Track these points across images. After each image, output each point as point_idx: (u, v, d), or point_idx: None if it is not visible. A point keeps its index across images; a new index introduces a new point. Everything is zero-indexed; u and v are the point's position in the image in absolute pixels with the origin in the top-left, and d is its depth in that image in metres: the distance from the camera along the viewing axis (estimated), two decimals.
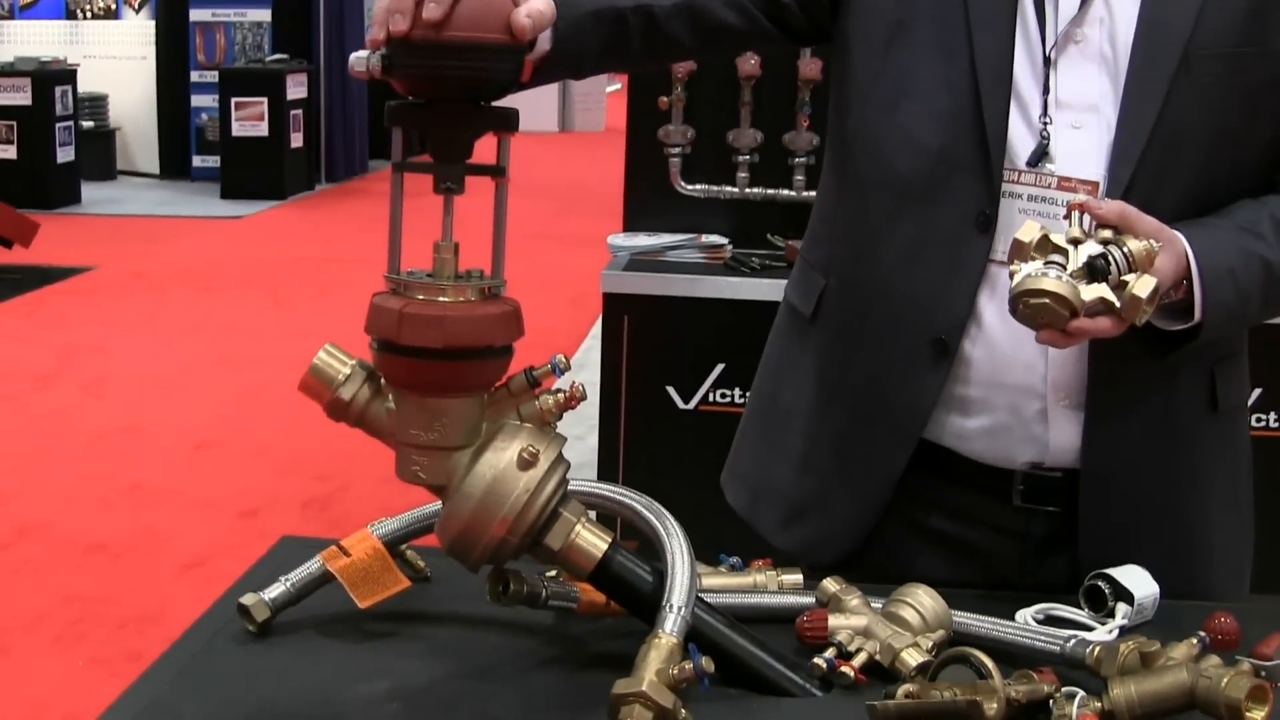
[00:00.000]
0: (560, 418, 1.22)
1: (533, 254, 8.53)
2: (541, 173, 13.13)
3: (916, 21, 1.50)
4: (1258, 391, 3.08)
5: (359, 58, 1.17)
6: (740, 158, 3.38)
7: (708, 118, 3.41)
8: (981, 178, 1.47)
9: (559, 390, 1.21)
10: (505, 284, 1.20)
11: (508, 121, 1.18)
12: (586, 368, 5.21)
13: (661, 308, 3.20)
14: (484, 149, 1.19)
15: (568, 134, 18.19)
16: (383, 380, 1.19)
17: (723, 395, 3.23)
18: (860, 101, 1.56)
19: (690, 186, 3.41)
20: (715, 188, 3.41)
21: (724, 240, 3.36)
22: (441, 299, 1.15)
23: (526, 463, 1.15)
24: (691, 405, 3.25)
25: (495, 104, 1.18)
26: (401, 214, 1.20)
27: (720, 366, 3.21)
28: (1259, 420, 3.14)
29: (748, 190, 3.39)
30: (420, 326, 1.14)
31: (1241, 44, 1.44)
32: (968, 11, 1.47)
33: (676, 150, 3.40)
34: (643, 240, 3.38)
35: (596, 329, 3.30)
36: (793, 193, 3.36)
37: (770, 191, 3.37)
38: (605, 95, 18.95)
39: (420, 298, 1.15)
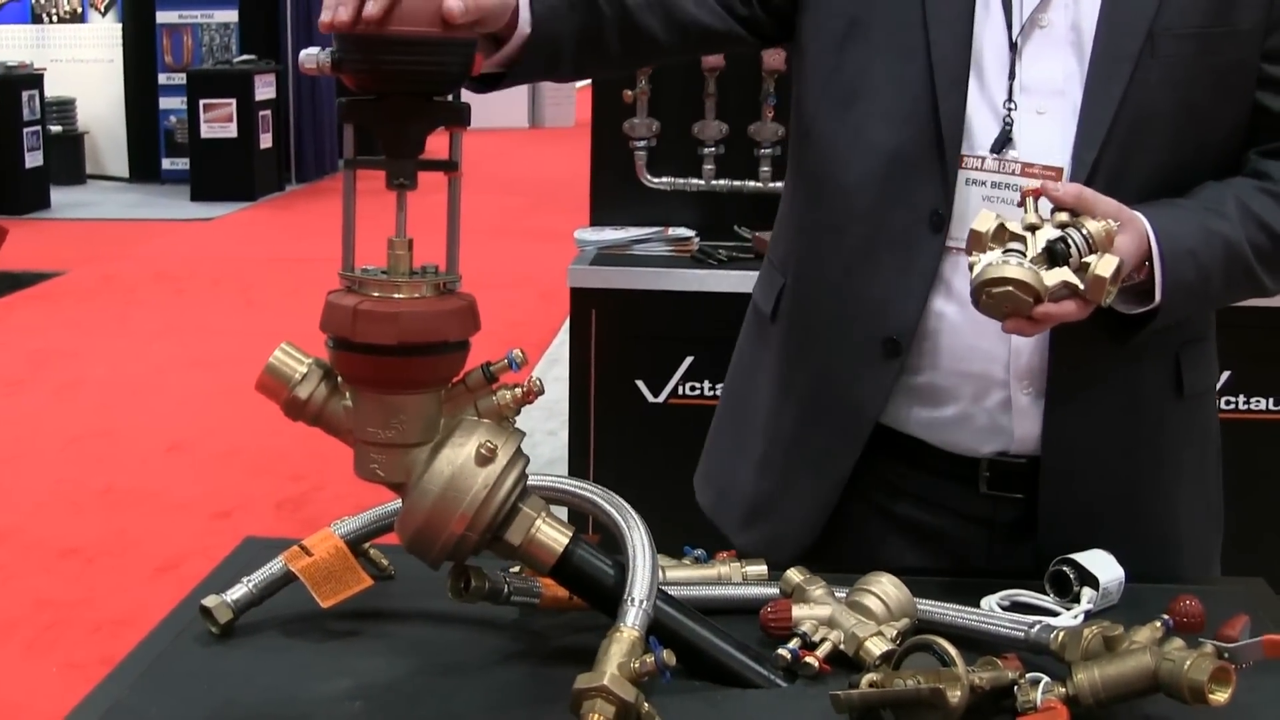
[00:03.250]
0: (518, 412, 1.21)
1: (505, 250, 8.54)
2: (512, 168, 13.13)
3: (873, 20, 1.50)
4: (1226, 374, 3.09)
5: (309, 54, 1.17)
6: (706, 150, 3.37)
7: (673, 110, 3.40)
8: (936, 177, 1.46)
9: (516, 385, 1.21)
10: (460, 279, 1.19)
11: (459, 116, 1.18)
12: (560, 362, 5.21)
13: (629, 301, 3.20)
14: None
15: (538, 130, 18.20)
16: (339, 378, 1.19)
17: (692, 388, 3.23)
18: (815, 100, 1.56)
19: (656, 179, 3.41)
20: (681, 180, 3.40)
21: (691, 233, 3.35)
22: (396, 295, 1.15)
23: (484, 458, 1.15)
24: (661, 399, 3.25)
25: (448, 98, 1.18)
26: (355, 211, 1.20)
27: (689, 359, 3.21)
28: (1228, 403, 3.15)
29: (714, 182, 3.38)
30: (375, 323, 1.13)
31: (1208, 23, 1.44)
32: (925, 10, 1.46)
33: (642, 143, 3.39)
34: (610, 234, 3.38)
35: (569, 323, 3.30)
36: (759, 184, 3.35)
37: (736, 183, 3.36)
38: (575, 90, 18.92)
39: (375, 295, 1.15)
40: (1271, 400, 3.22)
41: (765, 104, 3.34)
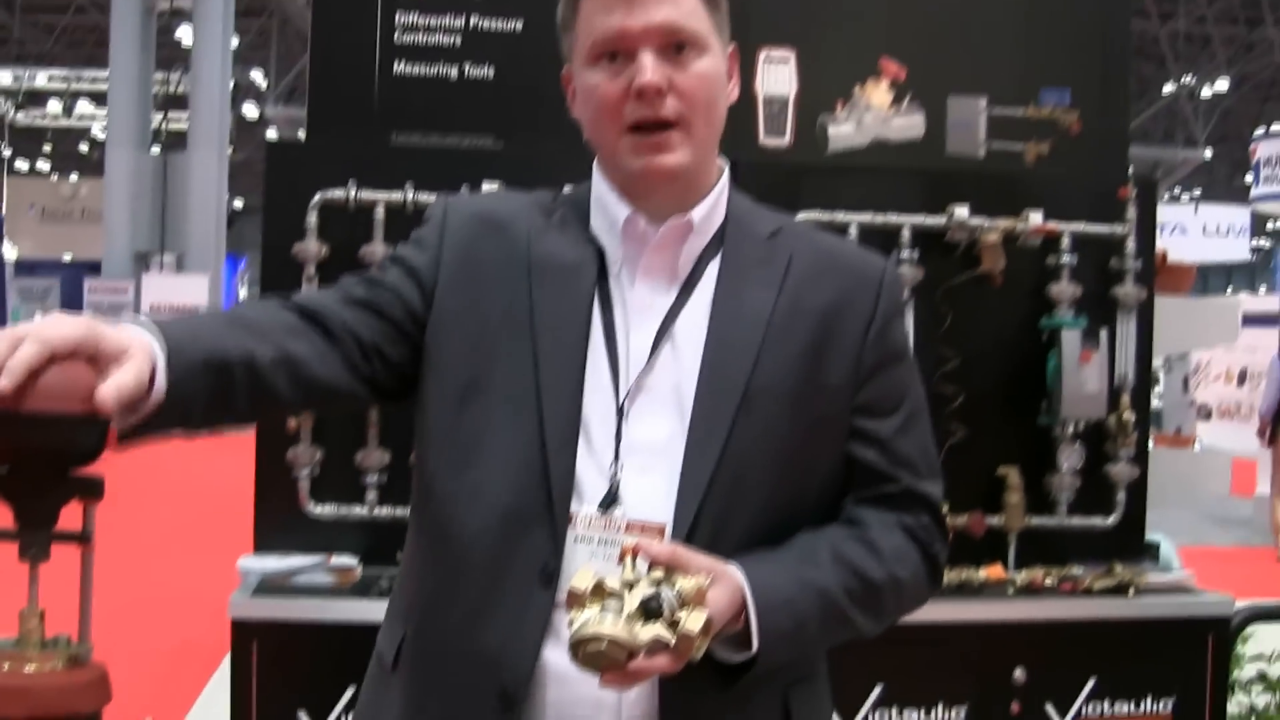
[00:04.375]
0: None
1: (170, 568, 8.24)
2: (186, 477, 12.74)
3: (491, 382, 1.58)
4: (1092, 680, 3.36)
5: None
6: (369, 478, 3.43)
7: (335, 438, 3.46)
8: (547, 533, 1.53)
9: None
10: (92, 648, 1.20)
11: (92, 489, 1.21)
12: (224, 687, 5.00)
13: (290, 633, 3.16)
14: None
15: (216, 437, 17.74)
16: None
17: None
18: (435, 457, 1.62)
19: (320, 507, 3.44)
20: (344, 508, 3.44)
21: (354, 561, 3.36)
22: (28, 668, 1.15)
23: None
24: None
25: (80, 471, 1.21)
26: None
27: (352, 688, 3.17)
28: (1095, 709, 3.39)
29: (377, 510, 3.43)
30: (5, 699, 1.13)
31: (799, 383, 1.58)
32: (538, 373, 1.56)
33: (305, 471, 3.43)
34: (272, 563, 3.36)
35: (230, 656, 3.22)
36: None
37: (400, 511, 3.41)
38: None
39: (5, 667, 1.15)
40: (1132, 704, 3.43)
41: None
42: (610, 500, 1.53)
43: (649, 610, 1.36)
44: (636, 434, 1.56)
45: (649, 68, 1.55)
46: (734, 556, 1.50)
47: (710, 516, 1.52)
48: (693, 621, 1.36)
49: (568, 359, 1.57)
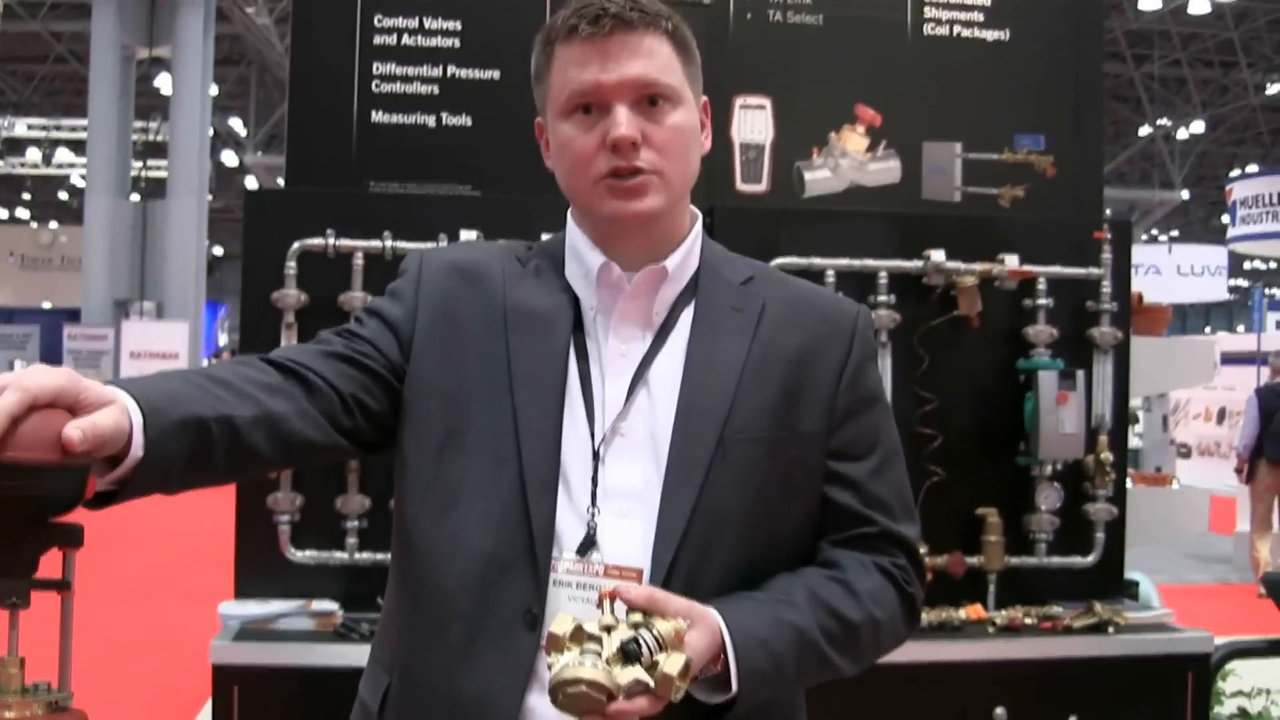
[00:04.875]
0: None
1: (151, 612, 8.20)
2: (166, 521, 12.68)
3: (469, 430, 1.60)
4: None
5: None
6: (349, 524, 3.44)
7: (316, 484, 3.47)
8: (529, 578, 1.54)
9: None
10: (72, 695, 1.21)
11: (71, 537, 1.22)
12: None
13: (272, 678, 3.16)
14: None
15: None
16: None
17: None
18: (415, 506, 1.63)
19: (300, 553, 3.44)
20: (325, 554, 3.44)
21: (334, 606, 3.36)
22: (7, 715, 1.16)
23: None
24: None
25: (59, 519, 1.22)
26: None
27: None
28: None
29: (357, 555, 3.43)
30: None
31: (773, 428, 1.60)
32: (516, 422, 1.58)
33: (285, 517, 3.43)
34: (253, 609, 3.36)
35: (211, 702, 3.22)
36: None
37: (380, 556, 3.42)
38: None
39: None
40: None
41: None
42: (588, 545, 1.55)
43: (628, 653, 1.37)
44: (613, 480, 1.57)
45: (623, 122, 1.57)
46: (711, 599, 1.51)
47: (687, 560, 1.54)
48: (671, 664, 1.37)
49: (546, 407, 1.59)
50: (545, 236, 1.79)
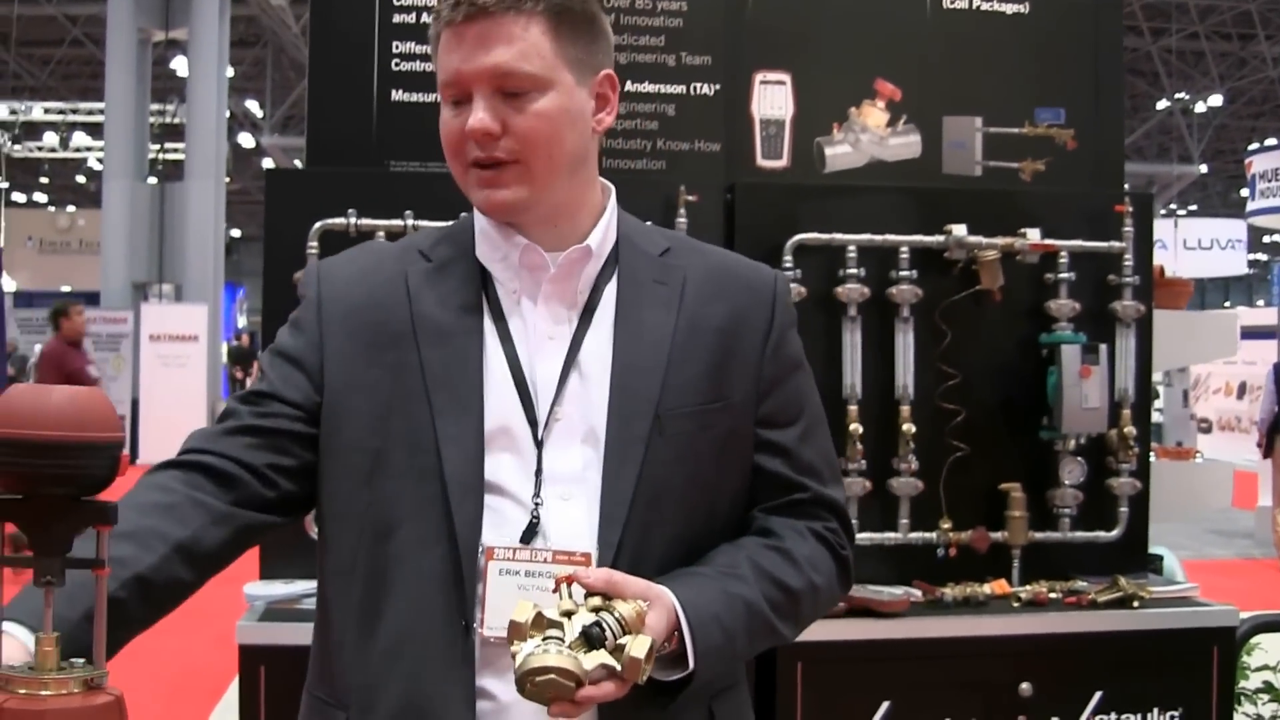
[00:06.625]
0: None
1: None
2: None
3: (393, 449, 1.58)
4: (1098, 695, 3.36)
5: None
6: None
7: None
8: (460, 586, 1.54)
9: None
10: (108, 674, 1.21)
11: (105, 515, 1.22)
12: (231, 709, 5.01)
13: (299, 658, 3.15)
14: None
15: None
16: None
17: None
18: (355, 536, 1.60)
19: None
20: None
21: None
22: (43, 693, 1.16)
23: None
24: None
25: (94, 498, 1.22)
26: (1, 608, 1.22)
27: None
28: None
29: None
30: None
31: (705, 400, 1.61)
32: (435, 429, 1.57)
33: None
34: (279, 589, 3.37)
35: (238, 680, 3.24)
36: None
37: None
38: None
39: (22, 692, 1.16)
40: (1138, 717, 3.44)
41: None
42: (530, 534, 1.55)
43: (591, 638, 1.37)
44: (554, 465, 1.57)
45: (478, 111, 1.56)
46: (656, 576, 1.52)
47: (631, 540, 1.55)
48: (638, 647, 1.37)
49: (463, 411, 1.58)
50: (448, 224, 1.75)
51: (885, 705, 3.28)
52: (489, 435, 1.57)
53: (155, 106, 22.31)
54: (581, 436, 1.58)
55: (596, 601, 1.40)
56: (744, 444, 1.66)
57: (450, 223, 1.75)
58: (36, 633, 1.20)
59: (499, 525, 1.55)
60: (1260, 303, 33.80)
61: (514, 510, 1.56)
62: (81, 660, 1.20)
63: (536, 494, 1.55)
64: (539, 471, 1.56)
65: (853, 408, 3.58)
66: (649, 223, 1.80)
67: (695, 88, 3.81)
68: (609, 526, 1.54)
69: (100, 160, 23.79)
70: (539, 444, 1.57)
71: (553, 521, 1.55)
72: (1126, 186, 3.98)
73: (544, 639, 1.36)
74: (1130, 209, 3.75)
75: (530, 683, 1.34)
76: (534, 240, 1.63)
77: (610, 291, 1.66)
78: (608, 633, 1.37)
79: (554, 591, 1.42)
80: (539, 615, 1.37)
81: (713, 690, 1.62)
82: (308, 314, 1.68)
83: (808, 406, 1.73)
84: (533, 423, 1.58)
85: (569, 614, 1.39)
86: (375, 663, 1.57)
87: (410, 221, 3.43)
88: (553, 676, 1.33)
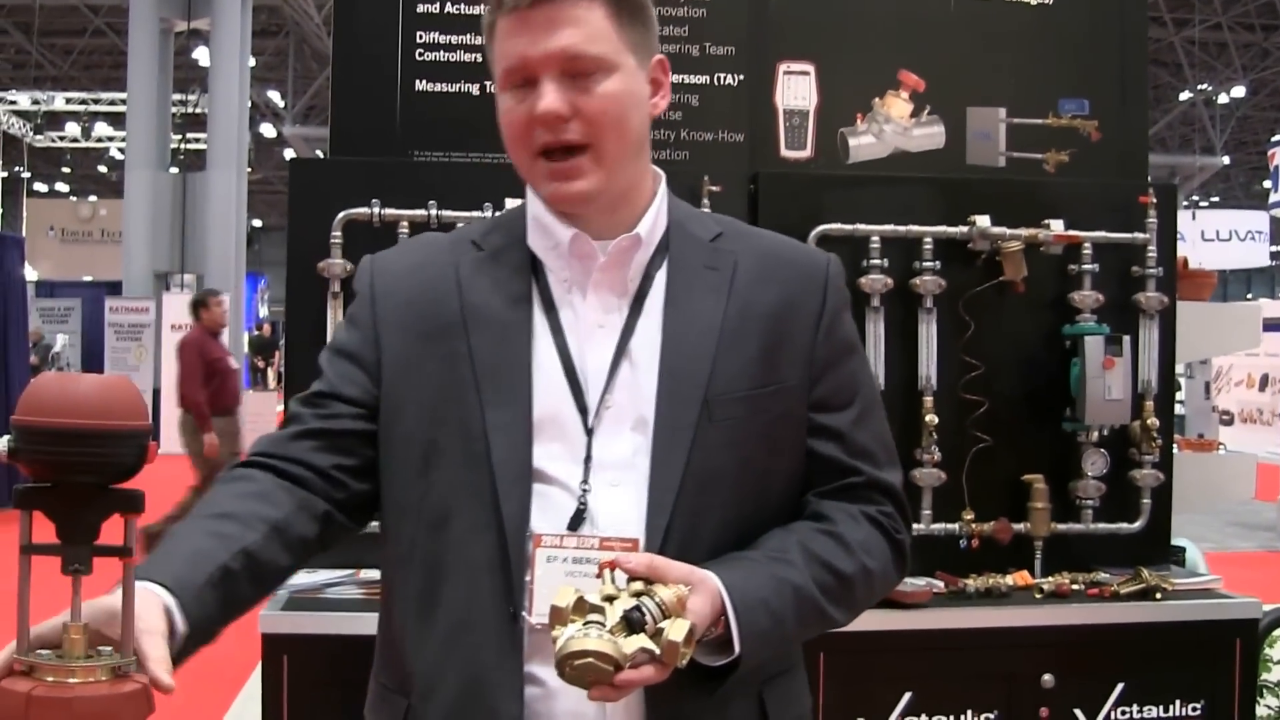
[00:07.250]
0: None
1: None
2: None
3: (447, 438, 1.59)
4: (1120, 686, 3.37)
5: None
6: None
7: None
8: (509, 574, 1.55)
9: None
10: (135, 662, 1.22)
11: (133, 503, 1.23)
12: (253, 699, 5.03)
13: (322, 647, 3.18)
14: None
15: None
16: None
17: None
18: (414, 526, 1.61)
19: None
20: (373, 522, 3.44)
21: None
22: (71, 680, 1.17)
23: None
24: None
25: (120, 485, 1.23)
26: (29, 596, 1.22)
27: None
28: (1123, 713, 3.40)
29: None
30: (48, 710, 1.15)
31: (756, 385, 1.61)
32: (484, 418, 1.58)
33: None
34: (302, 578, 3.38)
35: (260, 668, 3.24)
36: None
37: None
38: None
39: (50, 680, 1.17)
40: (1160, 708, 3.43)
41: None
42: (578, 520, 1.55)
43: (631, 622, 1.37)
44: (603, 452, 1.58)
45: (548, 94, 1.56)
46: (705, 561, 1.52)
47: (680, 525, 1.55)
48: (676, 630, 1.38)
49: (512, 400, 1.59)
50: (498, 214, 1.74)
51: (907, 696, 3.28)
52: (537, 423, 1.58)
53: (177, 96, 22.35)
54: (631, 424, 1.58)
55: (638, 586, 1.40)
56: (797, 428, 1.65)
57: (501, 212, 1.74)
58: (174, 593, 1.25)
59: (547, 512, 1.56)
60: None
61: (562, 497, 1.56)
62: (109, 649, 1.21)
63: (585, 481, 1.56)
64: (588, 459, 1.57)
65: None
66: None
67: (719, 78, 3.81)
68: (657, 512, 1.54)
69: (122, 150, 23.89)
70: (589, 432, 1.57)
71: (601, 508, 1.55)
72: (1150, 178, 3.96)
73: (585, 623, 1.37)
74: (1154, 200, 3.73)
75: (569, 666, 1.35)
76: (589, 228, 1.63)
77: (661, 278, 1.66)
78: (647, 617, 1.37)
79: (597, 577, 1.43)
80: (580, 600, 1.38)
81: (764, 675, 1.62)
82: (362, 310, 1.70)
83: (862, 390, 1.72)
84: (583, 410, 1.58)
85: (611, 599, 1.39)
86: (433, 650, 1.59)
87: (434, 211, 3.43)
88: (591, 660, 1.34)
